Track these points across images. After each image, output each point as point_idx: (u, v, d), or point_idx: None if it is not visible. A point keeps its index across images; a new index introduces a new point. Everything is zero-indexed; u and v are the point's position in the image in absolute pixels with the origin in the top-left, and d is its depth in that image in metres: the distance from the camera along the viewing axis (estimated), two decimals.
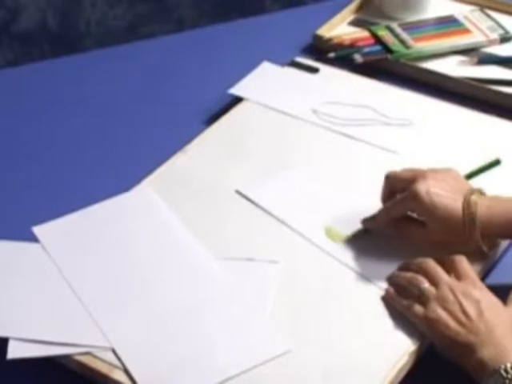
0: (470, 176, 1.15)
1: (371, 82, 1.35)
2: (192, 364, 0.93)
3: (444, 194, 1.02)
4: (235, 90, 1.33)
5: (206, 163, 1.19)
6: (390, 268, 1.02)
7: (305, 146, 1.23)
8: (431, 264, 0.99)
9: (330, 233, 1.08)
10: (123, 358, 0.93)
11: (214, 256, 1.05)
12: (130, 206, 1.12)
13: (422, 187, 1.02)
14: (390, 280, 1.01)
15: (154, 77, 1.40)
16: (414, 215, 1.06)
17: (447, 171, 1.06)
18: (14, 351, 0.93)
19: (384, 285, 1.01)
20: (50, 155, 1.25)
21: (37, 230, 1.08)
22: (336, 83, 1.34)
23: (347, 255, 1.05)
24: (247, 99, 1.31)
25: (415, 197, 1.02)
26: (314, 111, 1.28)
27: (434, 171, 1.05)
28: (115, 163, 1.23)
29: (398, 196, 1.05)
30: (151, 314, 0.98)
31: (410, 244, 1.05)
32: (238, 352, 0.94)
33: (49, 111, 1.33)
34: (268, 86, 1.34)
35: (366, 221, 1.08)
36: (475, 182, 1.11)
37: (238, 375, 0.92)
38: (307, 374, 0.92)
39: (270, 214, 1.11)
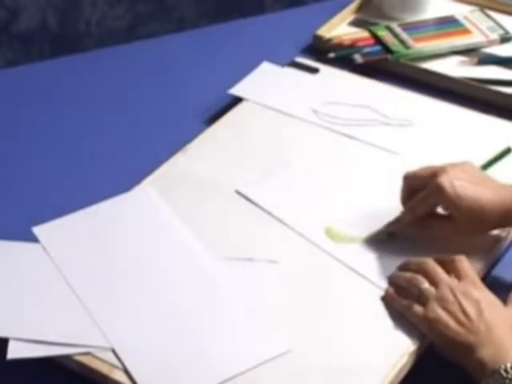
0: (485, 167, 1.16)
1: (371, 82, 1.35)
2: (192, 364, 0.93)
3: (467, 185, 1.02)
4: (235, 90, 1.32)
5: (206, 163, 1.19)
6: (390, 268, 1.02)
7: (305, 146, 1.23)
8: (431, 264, 0.99)
9: (330, 233, 1.08)
10: (123, 358, 0.93)
11: (213, 256, 1.05)
12: (130, 205, 1.12)
13: (445, 180, 1.02)
14: (390, 280, 1.01)
15: (154, 77, 1.40)
16: (438, 211, 1.06)
17: (464, 164, 1.06)
18: (14, 351, 0.93)
19: (384, 285, 1.01)
20: (49, 155, 1.25)
21: (37, 230, 1.08)
22: (336, 83, 1.34)
23: (347, 255, 1.05)
24: (247, 99, 1.31)
25: (440, 190, 1.02)
26: (314, 111, 1.28)
27: (452, 165, 1.05)
28: (115, 163, 1.23)
29: (421, 193, 1.04)
30: (151, 314, 0.98)
31: (409, 243, 1.05)
32: (238, 352, 0.94)
33: (48, 111, 1.33)
34: (268, 86, 1.34)
35: (390, 224, 1.07)
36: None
37: (237, 375, 0.92)
38: (307, 373, 0.92)
39: (269, 213, 1.11)
